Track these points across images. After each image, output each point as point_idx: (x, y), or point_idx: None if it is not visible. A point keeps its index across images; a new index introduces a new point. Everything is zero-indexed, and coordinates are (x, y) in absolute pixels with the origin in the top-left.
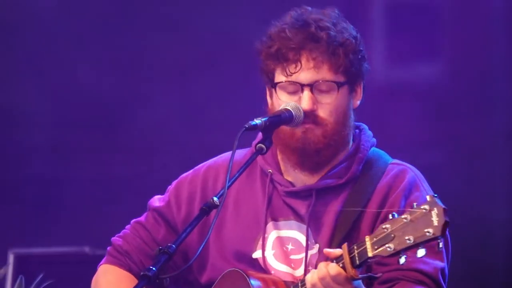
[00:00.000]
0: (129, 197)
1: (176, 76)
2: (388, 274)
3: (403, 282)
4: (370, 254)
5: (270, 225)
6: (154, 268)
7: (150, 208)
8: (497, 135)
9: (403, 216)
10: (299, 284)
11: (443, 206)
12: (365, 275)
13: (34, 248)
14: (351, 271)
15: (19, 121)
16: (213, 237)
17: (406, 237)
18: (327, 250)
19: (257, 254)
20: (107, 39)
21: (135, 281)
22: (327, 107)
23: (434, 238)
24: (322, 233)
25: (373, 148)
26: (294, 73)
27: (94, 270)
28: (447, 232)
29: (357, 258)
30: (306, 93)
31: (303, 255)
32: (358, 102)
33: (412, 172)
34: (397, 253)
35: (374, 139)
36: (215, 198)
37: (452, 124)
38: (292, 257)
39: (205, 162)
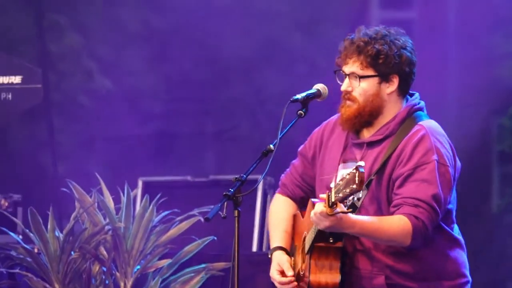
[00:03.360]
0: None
1: None
2: (396, 201)
3: (405, 206)
4: (333, 199)
5: (340, 166)
6: (232, 190)
7: (298, 153)
8: None
9: (346, 176)
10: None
11: (362, 170)
12: (337, 211)
13: (155, 177)
14: (327, 209)
15: None
16: (318, 173)
17: (345, 190)
18: (321, 196)
19: (332, 185)
20: None
21: (291, 203)
22: (357, 90)
23: (357, 190)
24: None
25: (418, 112)
26: (343, 66)
27: (193, 191)
28: (447, 162)
29: (329, 201)
30: (346, 80)
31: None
32: (394, 88)
33: (427, 130)
34: (342, 200)
35: (420, 104)
36: (271, 146)
37: None
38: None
39: (323, 122)
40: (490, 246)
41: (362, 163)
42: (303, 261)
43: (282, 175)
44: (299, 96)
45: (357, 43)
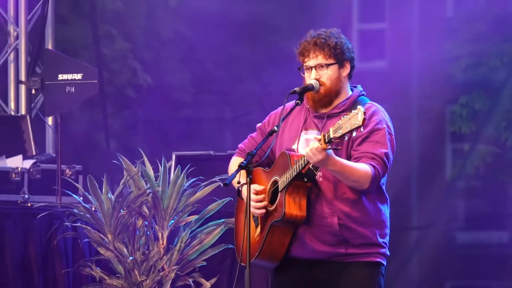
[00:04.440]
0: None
1: None
2: (356, 155)
3: (364, 158)
4: (332, 135)
5: (302, 133)
6: (245, 161)
7: (256, 128)
8: None
9: (345, 116)
10: (303, 157)
11: (364, 111)
12: (330, 147)
13: (185, 151)
14: (324, 145)
15: None
16: (278, 143)
17: (347, 126)
18: (316, 137)
19: (294, 146)
20: None
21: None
22: (324, 76)
23: (359, 126)
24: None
25: (362, 97)
26: (307, 61)
27: (215, 163)
28: (392, 131)
29: (326, 138)
30: (313, 71)
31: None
32: (347, 72)
33: (376, 107)
34: (343, 136)
35: (363, 92)
36: (275, 127)
37: None
38: None
39: (279, 107)
40: (444, 204)
41: (362, 108)
42: (269, 201)
43: (240, 144)
44: (296, 89)
45: (317, 41)
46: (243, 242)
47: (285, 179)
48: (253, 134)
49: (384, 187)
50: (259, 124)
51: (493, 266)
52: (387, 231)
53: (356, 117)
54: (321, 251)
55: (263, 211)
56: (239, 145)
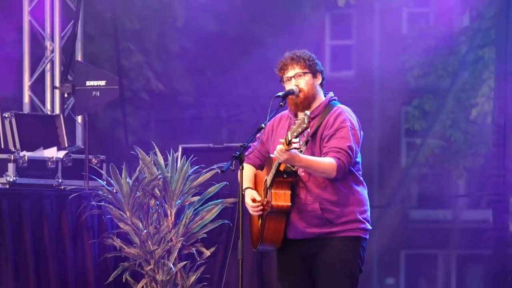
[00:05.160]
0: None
1: None
2: (325, 150)
3: (331, 152)
4: (289, 138)
5: None
6: (238, 153)
7: (256, 138)
8: None
9: (297, 121)
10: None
11: (308, 115)
12: (292, 148)
13: (190, 144)
14: (286, 146)
15: None
16: (271, 148)
17: (298, 129)
18: (280, 140)
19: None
20: None
21: (253, 168)
22: (302, 82)
23: (307, 127)
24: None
25: (333, 101)
26: (287, 73)
27: (214, 154)
28: (356, 127)
29: (286, 140)
30: (292, 80)
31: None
32: (319, 81)
33: (342, 109)
34: (296, 136)
35: (334, 97)
36: (262, 125)
37: None
38: None
39: (272, 119)
40: (400, 187)
41: (308, 112)
42: (266, 196)
43: (246, 152)
44: (280, 93)
45: (293, 56)
46: (253, 231)
47: (269, 178)
48: (254, 143)
49: (360, 173)
50: (258, 135)
51: (439, 238)
52: (366, 208)
53: (304, 120)
54: (310, 232)
55: (260, 212)
56: (246, 154)
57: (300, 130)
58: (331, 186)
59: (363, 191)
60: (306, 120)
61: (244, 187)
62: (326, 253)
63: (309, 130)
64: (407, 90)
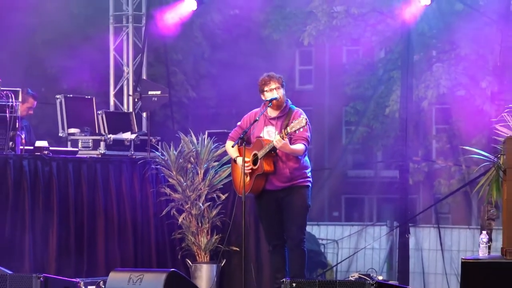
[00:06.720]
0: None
1: None
2: (294, 138)
3: (298, 140)
4: (289, 131)
5: (264, 128)
6: (242, 135)
7: (237, 125)
8: None
9: (295, 121)
10: (272, 142)
11: (305, 118)
12: (287, 138)
13: (212, 130)
14: (285, 137)
15: None
16: (253, 134)
17: (298, 126)
18: (279, 133)
19: (261, 135)
20: None
21: (236, 145)
22: (280, 93)
23: (303, 126)
24: (278, 131)
25: (292, 105)
26: (269, 86)
27: (227, 137)
28: (308, 123)
29: (285, 133)
30: (274, 91)
31: (274, 137)
32: (284, 93)
33: (299, 110)
34: (294, 132)
35: (292, 103)
36: (257, 118)
37: None
38: (271, 137)
39: (252, 111)
40: (342, 157)
41: (305, 116)
42: (253, 164)
43: (230, 133)
44: (269, 99)
45: (271, 76)
46: (240, 182)
47: (262, 152)
48: (236, 128)
49: (307, 151)
50: (239, 123)
51: (366, 188)
52: (310, 169)
53: (302, 121)
54: (281, 186)
55: (250, 170)
56: (230, 134)
57: (298, 127)
58: (294, 159)
59: (308, 161)
60: (303, 122)
61: (234, 156)
62: (291, 196)
63: (302, 129)
64: (346, 97)
